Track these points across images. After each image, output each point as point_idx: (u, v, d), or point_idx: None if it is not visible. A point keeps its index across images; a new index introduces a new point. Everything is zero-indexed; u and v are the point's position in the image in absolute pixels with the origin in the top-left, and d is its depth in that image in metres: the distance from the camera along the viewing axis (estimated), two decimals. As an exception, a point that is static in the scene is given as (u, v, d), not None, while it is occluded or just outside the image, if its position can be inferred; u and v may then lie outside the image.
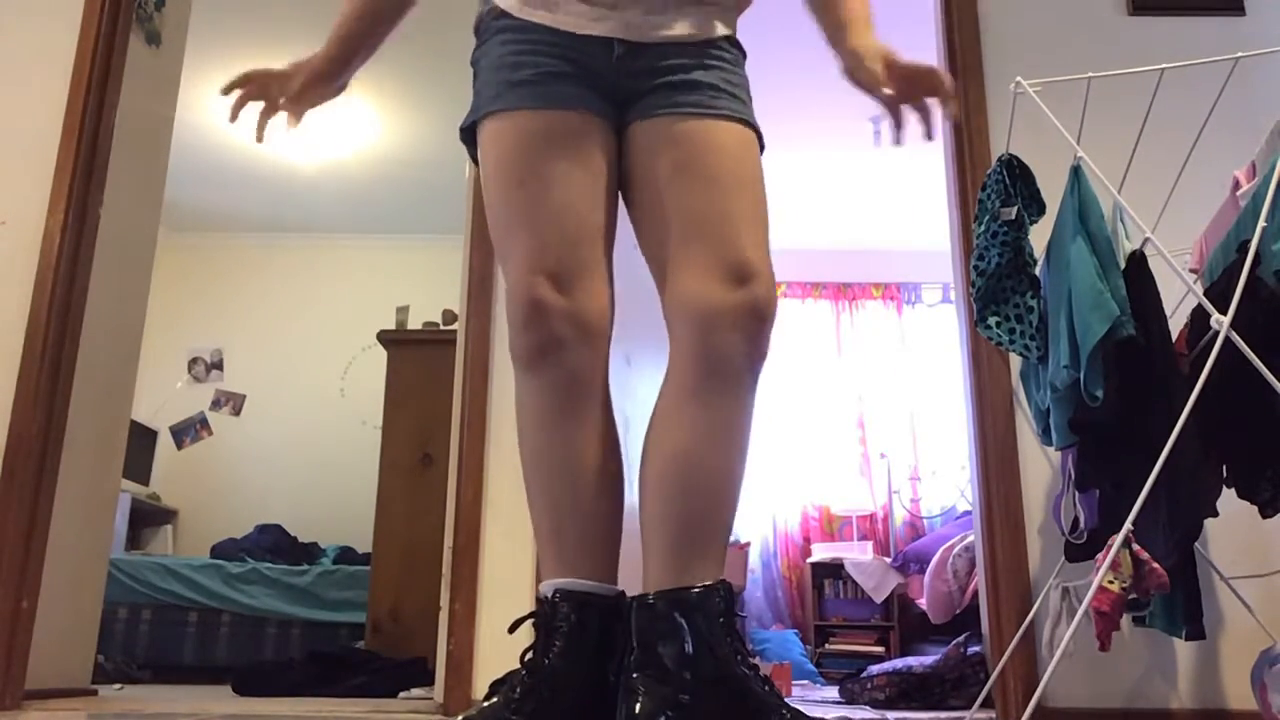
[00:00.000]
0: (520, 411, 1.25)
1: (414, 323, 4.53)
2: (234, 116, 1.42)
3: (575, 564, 1.18)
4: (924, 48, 3.06)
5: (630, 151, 1.28)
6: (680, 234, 1.21)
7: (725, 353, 1.16)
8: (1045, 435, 2.12)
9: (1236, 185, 2.02)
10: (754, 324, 1.17)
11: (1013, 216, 1.98)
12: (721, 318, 1.16)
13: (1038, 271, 2.09)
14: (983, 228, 2.06)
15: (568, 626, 1.13)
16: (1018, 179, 2.02)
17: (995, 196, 2.03)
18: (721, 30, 1.32)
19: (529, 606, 2.43)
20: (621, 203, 1.34)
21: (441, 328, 4.24)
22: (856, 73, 1.29)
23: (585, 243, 1.23)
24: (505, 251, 1.24)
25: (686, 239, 1.21)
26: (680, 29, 1.28)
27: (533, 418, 1.23)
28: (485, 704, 1.13)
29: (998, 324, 2.06)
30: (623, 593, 1.20)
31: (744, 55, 1.36)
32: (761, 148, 1.30)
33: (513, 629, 1.22)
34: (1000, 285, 2.06)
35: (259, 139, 1.44)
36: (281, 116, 1.46)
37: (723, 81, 1.28)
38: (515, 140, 1.24)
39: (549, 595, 1.16)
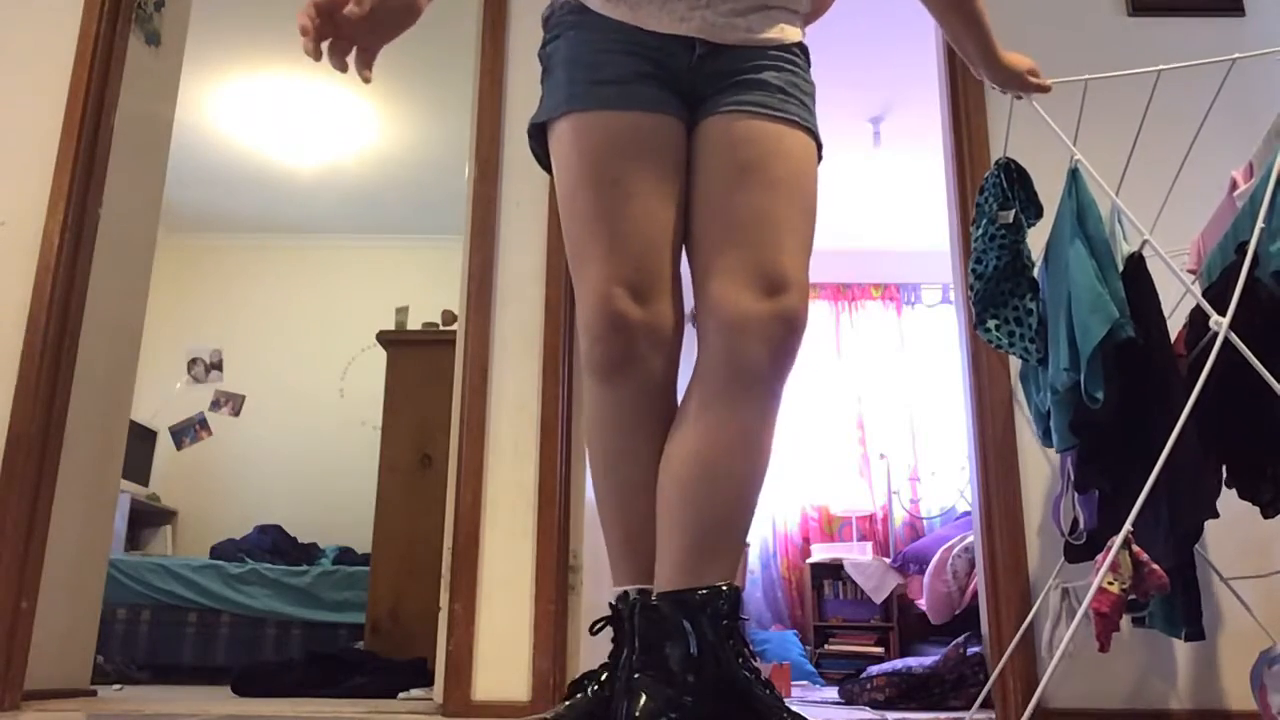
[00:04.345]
0: (594, 421, 1.25)
1: (413, 323, 4.53)
2: (315, 55, 1.21)
3: (650, 572, 1.19)
4: (924, 47, 3.07)
5: (694, 146, 1.27)
6: (723, 236, 1.21)
7: (751, 361, 1.17)
8: (1045, 437, 2.12)
9: (1234, 186, 2.02)
10: (782, 335, 1.18)
11: (1010, 220, 1.98)
12: (750, 326, 1.17)
13: (1035, 273, 2.09)
14: (980, 231, 2.06)
15: None
16: (1015, 182, 2.02)
17: (993, 199, 2.03)
18: (794, 36, 1.32)
19: (529, 607, 2.46)
20: None
21: (441, 328, 4.24)
22: (1007, 85, 1.73)
23: (664, 252, 1.22)
24: (582, 256, 1.22)
25: (728, 243, 1.21)
26: (760, 32, 1.28)
27: (607, 428, 1.23)
28: (570, 702, 1.16)
29: (997, 327, 2.06)
30: (624, 593, 1.20)
31: (809, 63, 1.35)
32: (820, 157, 1.30)
33: (595, 631, 1.25)
34: (999, 288, 2.06)
35: (342, 69, 1.23)
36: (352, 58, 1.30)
37: (792, 86, 1.28)
38: (600, 142, 1.22)
39: (627, 598, 1.18)
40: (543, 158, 1.33)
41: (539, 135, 1.32)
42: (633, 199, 1.20)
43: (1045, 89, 1.76)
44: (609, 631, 1.23)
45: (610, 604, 1.22)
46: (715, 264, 1.21)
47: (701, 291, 1.22)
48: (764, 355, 1.17)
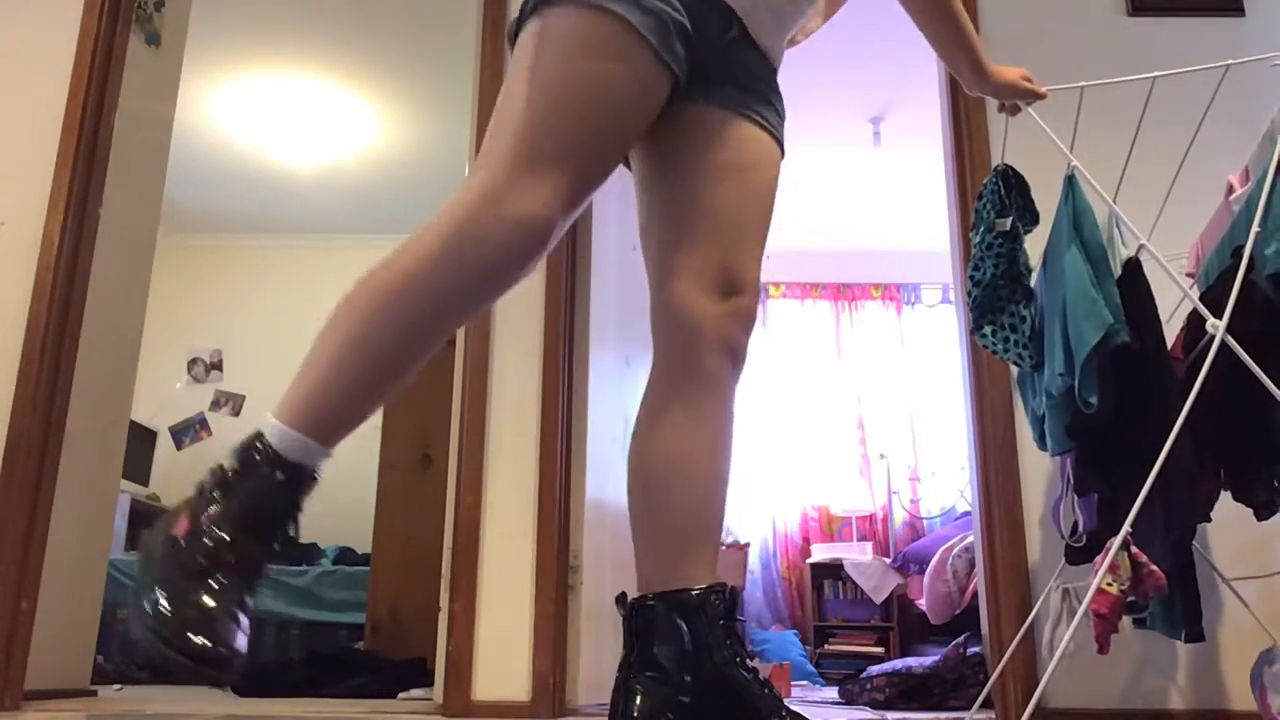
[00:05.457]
0: (437, 288, 1.08)
1: (414, 323, 4.53)
2: None
3: (336, 432, 1.08)
4: (924, 48, 3.07)
5: (692, 130, 1.24)
6: (696, 229, 1.22)
7: (711, 362, 1.19)
8: (1041, 441, 2.13)
9: (1230, 190, 2.02)
10: (738, 334, 1.21)
11: (1007, 228, 2.00)
12: (709, 328, 1.19)
13: (1034, 279, 2.10)
14: (978, 238, 2.07)
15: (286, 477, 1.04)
16: (1012, 189, 2.03)
17: (991, 207, 2.04)
18: (779, 64, 1.35)
19: (529, 607, 2.47)
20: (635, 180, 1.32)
21: (441, 328, 4.23)
22: (1001, 94, 1.76)
23: (600, 185, 1.16)
24: (547, 147, 1.09)
25: (699, 238, 1.22)
26: (776, 45, 1.31)
27: (447, 301, 1.09)
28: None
29: (992, 332, 2.09)
30: (624, 593, 1.20)
31: None
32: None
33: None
34: (995, 295, 2.08)
35: None
36: None
37: (779, 107, 1.33)
38: (628, 68, 1.12)
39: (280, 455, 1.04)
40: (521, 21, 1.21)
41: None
42: (621, 138, 1.15)
43: (1041, 95, 1.77)
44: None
45: (266, 446, 1.05)
46: (680, 260, 1.21)
47: (662, 284, 1.23)
48: (722, 355, 1.19)
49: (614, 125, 1.13)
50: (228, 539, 0.99)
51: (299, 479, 1.04)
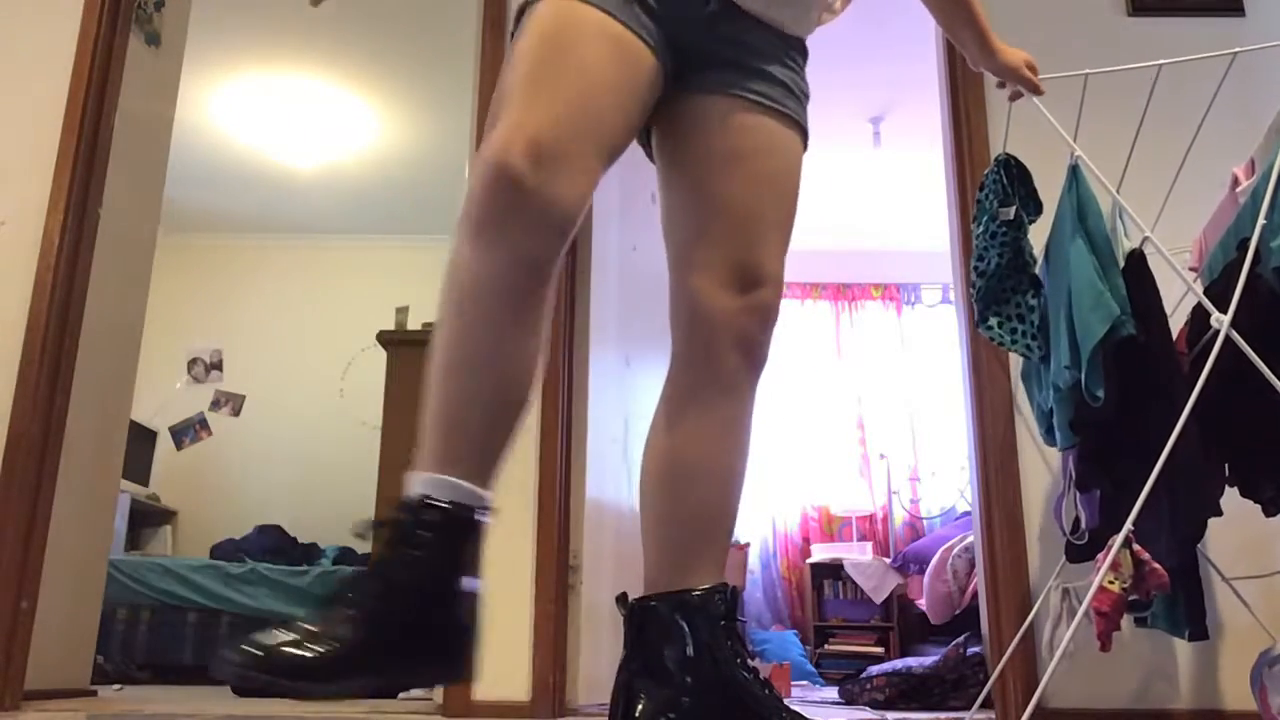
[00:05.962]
0: (462, 285, 1.05)
1: (413, 323, 4.53)
2: None
3: (474, 462, 1.08)
4: (924, 48, 3.07)
5: (688, 120, 1.22)
6: (707, 225, 1.20)
7: (728, 358, 1.17)
8: (1049, 436, 2.12)
9: (1235, 182, 2.02)
10: (757, 330, 1.18)
11: (1011, 216, 1.98)
12: (727, 323, 1.17)
13: (1038, 271, 2.08)
14: (981, 228, 2.06)
15: (430, 535, 1.02)
16: (1015, 179, 2.02)
17: (993, 196, 2.03)
18: (804, 32, 1.29)
19: (529, 607, 2.45)
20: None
21: (441, 328, 4.22)
22: (1003, 74, 1.72)
23: (589, 139, 1.08)
24: (504, 101, 1.09)
25: (711, 233, 1.19)
26: (778, 13, 1.24)
27: (480, 296, 1.05)
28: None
29: (999, 324, 2.06)
30: (624, 593, 1.20)
31: (806, 62, 1.32)
32: (804, 148, 1.29)
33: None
34: (1000, 285, 2.06)
35: None
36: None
37: (794, 84, 1.26)
38: (574, 19, 1.11)
39: (422, 498, 1.04)
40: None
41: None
42: (584, 77, 1.09)
43: (1039, 91, 1.75)
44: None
45: (423, 498, 1.05)
46: (697, 255, 1.20)
47: (679, 280, 1.21)
48: (740, 352, 1.17)
49: (582, 83, 1.08)
50: (379, 586, 0.99)
51: (449, 518, 1.03)
